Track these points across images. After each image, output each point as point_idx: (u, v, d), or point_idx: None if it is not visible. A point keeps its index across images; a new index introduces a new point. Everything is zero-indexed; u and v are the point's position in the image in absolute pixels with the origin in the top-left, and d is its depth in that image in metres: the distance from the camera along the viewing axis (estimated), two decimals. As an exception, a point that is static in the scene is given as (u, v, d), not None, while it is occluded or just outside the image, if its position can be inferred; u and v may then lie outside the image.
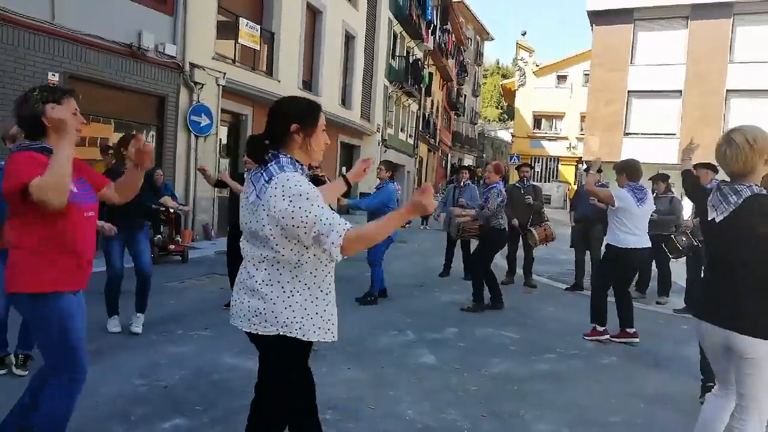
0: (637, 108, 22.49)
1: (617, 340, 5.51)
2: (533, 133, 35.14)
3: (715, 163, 2.82)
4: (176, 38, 10.05)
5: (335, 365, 4.38)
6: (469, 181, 9.04)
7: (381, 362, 4.59)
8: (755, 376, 2.46)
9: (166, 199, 7.54)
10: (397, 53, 23.61)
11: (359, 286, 6.96)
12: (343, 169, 19.01)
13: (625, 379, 4.55)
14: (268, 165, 2.12)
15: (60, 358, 2.42)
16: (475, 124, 50.31)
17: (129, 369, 4.06)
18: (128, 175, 2.78)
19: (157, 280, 5.34)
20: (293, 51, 14.05)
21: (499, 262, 8.52)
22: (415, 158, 28.66)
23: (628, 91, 22.41)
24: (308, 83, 15.34)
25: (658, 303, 7.51)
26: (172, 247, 8.53)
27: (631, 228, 5.28)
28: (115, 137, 9.03)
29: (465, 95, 42.95)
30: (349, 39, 17.87)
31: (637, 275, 6.92)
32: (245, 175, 2.21)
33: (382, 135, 21.50)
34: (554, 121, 35.02)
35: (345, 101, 18.08)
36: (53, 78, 7.81)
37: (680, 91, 21.47)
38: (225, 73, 11.24)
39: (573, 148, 32.80)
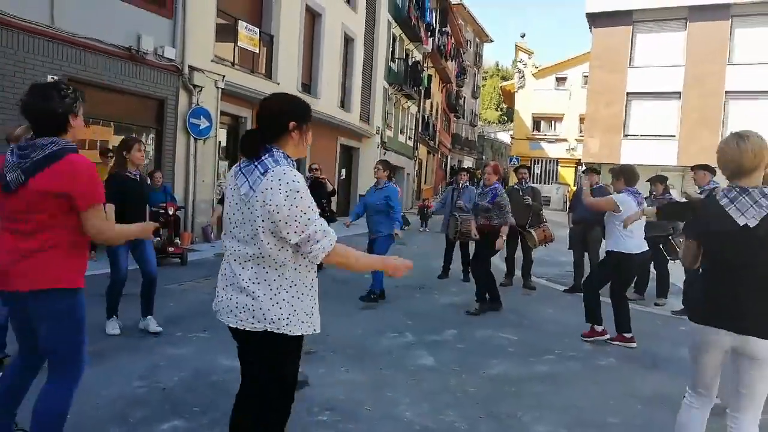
0: (636, 110, 22.54)
1: (614, 343, 5.51)
2: (533, 135, 35.17)
3: (714, 165, 2.80)
4: (175, 41, 10.08)
5: (334, 367, 4.40)
6: (467, 183, 9.05)
7: (380, 364, 4.60)
8: (759, 376, 2.49)
9: None
10: (396, 55, 23.66)
11: (357, 288, 6.98)
12: (342, 171, 19.04)
13: (623, 381, 4.56)
14: (262, 158, 2.13)
15: (72, 353, 2.47)
16: (475, 126, 50.35)
17: (128, 371, 4.06)
18: None
19: (157, 283, 5.36)
20: (292, 53, 14.08)
21: (498, 263, 8.54)
22: (415, 160, 28.70)
23: (627, 93, 22.48)
24: (307, 85, 15.36)
25: (656, 304, 7.51)
26: (171, 249, 8.53)
27: (632, 232, 5.30)
28: (114, 140, 9.05)
29: (464, 97, 42.99)
30: (348, 41, 17.90)
31: (635, 277, 6.95)
32: (233, 168, 2.22)
33: (381, 137, 21.54)
34: (554, 122, 35.04)
35: (344, 103, 18.11)
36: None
37: (679, 93, 21.53)
38: (224, 76, 11.26)
39: (572, 149, 32.83)
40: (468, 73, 41.98)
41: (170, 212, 8.52)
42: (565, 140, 33.92)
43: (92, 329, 4.63)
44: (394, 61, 23.24)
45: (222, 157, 12.26)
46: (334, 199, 11.70)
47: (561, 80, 34.42)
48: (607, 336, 5.59)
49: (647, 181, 7.92)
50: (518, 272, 8.56)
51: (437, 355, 4.90)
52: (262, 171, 2.09)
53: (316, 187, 8.85)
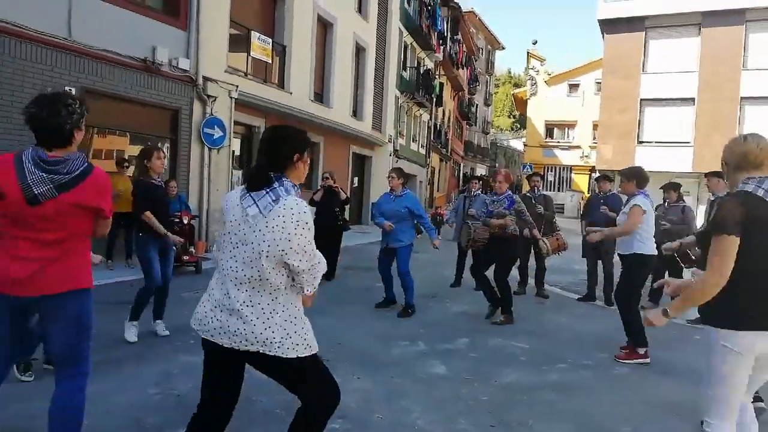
0: (649, 116, 22.37)
1: (626, 361, 5.20)
2: (546, 142, 35.04)
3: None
4: (189, 52, 10.23)
5: (345, 375, 4.40)
6: (479, 191, 8.91)
7: (392, 372, 4.60)
8: None
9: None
10: (408, 64, 23.74)
11: (368, 296, 6.99)
12: (355, 179, 19.10)
13: (635, 389, 4.52)
14: (274, 186, 2.20)
15: (86, 350, 2.62)
16: (487, 133, 50.30)
17: (142, 378, 4.11)
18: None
19: (171, 291, 5.42)
20: (304, 63, 14.20)
21: (511, 272, 8.49)
22: (427, 168, 28.72)
23: (641, 100, 22.32)
24: (320, 95, 15.47)
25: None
26: (185, 257, 8.61)
27: (648, 234, 5.28)
28: (130, 150, 9.20)
29: (477, 105, 43.00)
30: (359, 51, 18.02)
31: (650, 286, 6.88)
32: (237, 191, 2.30)
33: (393, 145, 21.59)
34: (567, 129, 34.89)
35: (356, 112, 18.20)
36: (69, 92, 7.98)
37: (693, 99, 21.34)
38: (237, 86, 11.39)
39: (586, 156, 32.65)
40: (480, 81, 42.03)
41: (185, 221, 8.61)
42: (578, 147, 33.75)
43: (105, 337, 4.71)
44: (405, 70, 23.33)
45: (236, 166, 12.37)
46: (347, 207, 11.72)
47: (573, 87, 34.29)
48: (648, 359, 5.19)
49: (660, 188, 7.87)
50: (531, 281, 8.53)
51: (449, 364, 4.90)
52: (274, 198, 2.17)
53: (330, 196, 8.81)
